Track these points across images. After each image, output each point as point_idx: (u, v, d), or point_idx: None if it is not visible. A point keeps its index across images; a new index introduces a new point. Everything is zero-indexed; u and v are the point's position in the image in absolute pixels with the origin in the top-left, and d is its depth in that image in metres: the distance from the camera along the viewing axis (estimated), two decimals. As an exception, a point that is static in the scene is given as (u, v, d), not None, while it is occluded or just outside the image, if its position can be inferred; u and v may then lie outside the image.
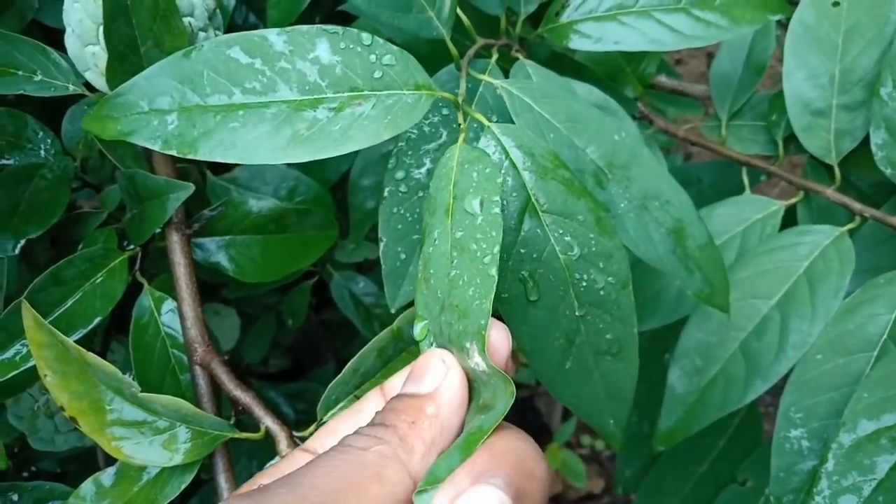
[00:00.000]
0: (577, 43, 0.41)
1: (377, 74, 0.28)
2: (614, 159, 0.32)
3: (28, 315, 0.32)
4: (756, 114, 0.50)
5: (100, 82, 0.38)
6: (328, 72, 0.27)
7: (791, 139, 0.46)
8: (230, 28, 0.58)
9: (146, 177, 0.39)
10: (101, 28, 0.35)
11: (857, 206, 0.43)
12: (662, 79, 0.53)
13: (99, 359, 0.32)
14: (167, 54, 0.36)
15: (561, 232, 0.29)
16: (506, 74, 0.39)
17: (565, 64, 0.49)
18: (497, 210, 0.25)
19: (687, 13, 0.41)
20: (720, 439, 0.60)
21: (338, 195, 0.58)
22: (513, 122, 0.32)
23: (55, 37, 0.43)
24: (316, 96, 0.27)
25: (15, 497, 0.39)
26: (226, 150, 0.25)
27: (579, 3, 0.42)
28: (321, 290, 0.80)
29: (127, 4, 0.34)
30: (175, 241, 0.40)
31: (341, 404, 0.36)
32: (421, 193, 0.35)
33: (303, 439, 0.36)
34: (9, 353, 0.36)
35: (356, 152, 0.59)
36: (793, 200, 0.46)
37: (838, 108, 0.44)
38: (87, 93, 0.41)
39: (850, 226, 0.42)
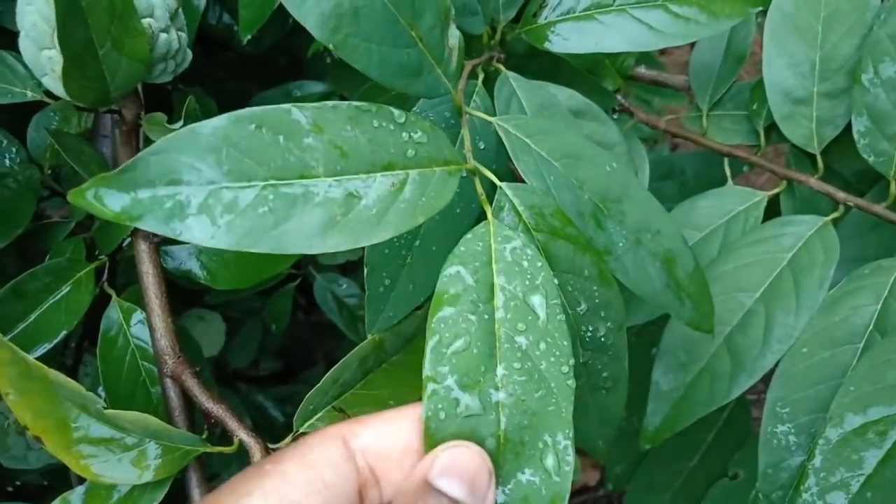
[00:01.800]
0: (556, 44, 0.40)
1: (410, 153, 0.26)
2: (608, 193, 0.32)
3: (-14, 332, 0.31)
4: (737, 103, 0.49)
5: (58, 88, 0.36)
6: (360, 151, 0.25)
7: (773, 128, 0.46)
8: (202, 28, 0.57)
9: (111, 184, 0.38)
10: (56, 31, 0.34)
11: (840, 194, 0.43)
12: (642, 70, 0.52)
13: (62, 375, 0.31)
14: (127, 57, 0.35)
15: (570, 289, 0.30)
16: (489, 86, 0.38)
17: (544, 59, 0.48)
18: (562, 316, 0.24)
19: (665, 9, 0.40)
20: (709, 433, 0.59)
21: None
22: (505, 154, 0.32)
23: (14, 40, 0.42)
24: (349, 177, 0.24)
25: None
26: (257, 240, 0.22)
27: (557, 3, 0.41)
28: (310, 292, 0.79)
29: (82, 6, 0.32)
30: (143, 250, 0.38)
31: (319, 414, 0.35)
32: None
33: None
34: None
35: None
36: (776, 190, 0.45)
37: (819, 95, 0.43)
38: (46, 99, 0.40)
39: (833, 215, 0.42)
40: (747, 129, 0.48)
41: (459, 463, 0.23)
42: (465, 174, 0.30)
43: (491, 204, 0.29)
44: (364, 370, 0.35)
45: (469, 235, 0.27)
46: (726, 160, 0.48)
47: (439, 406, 0.24)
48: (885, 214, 0.41)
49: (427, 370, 0.24)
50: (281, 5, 0.50)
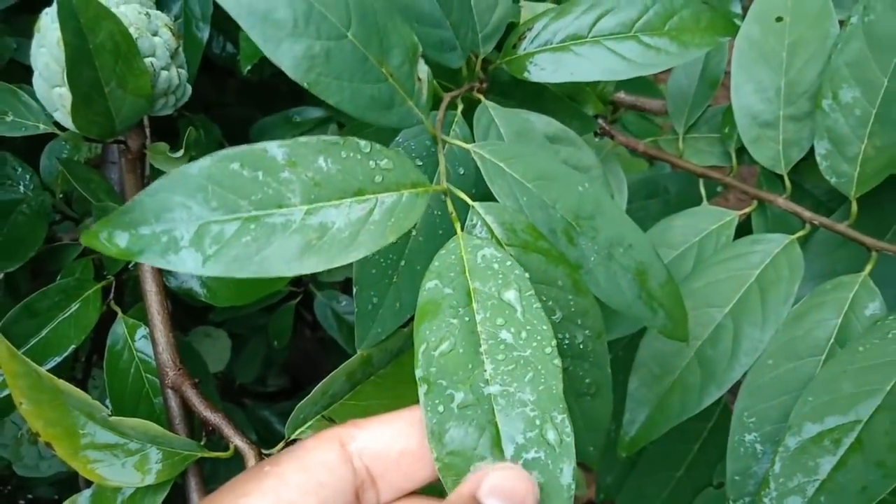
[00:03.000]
0: (534, 74, 0.43)
1: (377, 178, 0.28)
2: (580, 211, 0.34)
3: (2, 346, 0.34)
4: (711, 126, 0.51)
5: (67, 122, 0.39)
6: (332, 180, 0.27)
7: (744, 150, 0.48)
8: (206, 57, 0.60)
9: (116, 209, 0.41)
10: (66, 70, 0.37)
11: (806, 213, 0.45)
12: (622, 95, 0.54)
13: (70, 385, 0.34)
14: (131, 94, 0.38)
15: (544, 299, 0.31)
16: (468, 115, 0.40)
17: (527, 86, 0.50)
18: (538, 304, 0.26)
19: (637, 41, 0.42)
20: (695, 444, 0.61)
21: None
22: (483, 180, 0.34)
23: (31, 73, 0.45)
24: (322, 204, 0.26)
25: (-2, 522, 0.40)
26: (242, 266, 0.24)
27: (535, 35, 0.44)
28: (314, 308, 0.81)
29: (89, 48, 0.35)
30: (146, 270, 0.41)
31: (309, 423, 0.37)
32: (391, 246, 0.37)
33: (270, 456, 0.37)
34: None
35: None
36: (747, 210, 0.47)
37: (785, 119, 0.45)
38: (57, 131, 0.43)
39: (799, 233, 0.44)
40: (720, 150, 0.50)
41: (508, 485, 0.23)
42: (443, 197, 0.33)
43: (464, 223, 0.31)
44: (352, 383, 0.37)
45: (442, 251, 0.29)
46: (701, 181, 0.50)
47: (436, 401, 0.25)
48: (848, 233, 0.43)
49: (419, 373, 0.25)
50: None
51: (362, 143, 0.28)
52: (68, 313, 0.40)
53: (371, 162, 0.28)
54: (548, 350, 0.26)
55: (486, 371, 0.26)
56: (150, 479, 0.35)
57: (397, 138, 0.38)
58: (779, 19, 0.45)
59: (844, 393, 0.36)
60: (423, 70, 0.33)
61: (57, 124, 0.42)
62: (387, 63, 0.31)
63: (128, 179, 0.44)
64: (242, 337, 0.87)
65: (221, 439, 0.38)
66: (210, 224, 0.24)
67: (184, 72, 0.41)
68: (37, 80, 0.39)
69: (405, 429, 0.26)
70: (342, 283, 0.82)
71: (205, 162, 0.25)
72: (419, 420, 0.25)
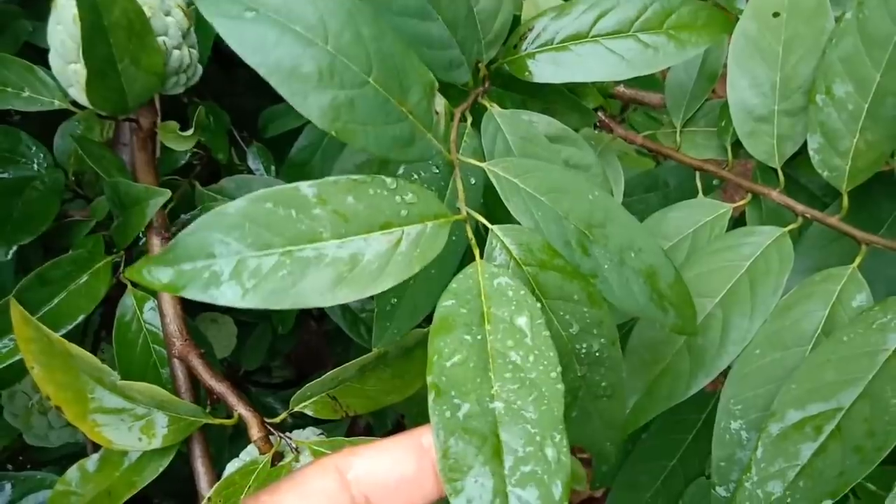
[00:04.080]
0: (535, 74, 0.44)
1: (403, 213, 0.29)
2: (592, 220, 0.35)
3: (16, 311, 0.35)
4: (709, 120, 0.52)
5: (82, 98, 0.41)
6: (360, 215, 0.28)
7: (739, 144, 0.49)
8: (217, 46, 0.62)
9: (128, 185, 0.42)
10: (78, 50, 0.38)
11: (799, 207, 0.46)
12: (621, 88, 0.55)
13: (81, 350, 0.36)
14: (144, 71, 0.40)
15: (562, 313, 0.33)
16: (476, 124, 0.41)
17: (528, 82, 0.51)
18: (547, 332, 0.28)
19: (636, 39, 0.44)
20: (688, 434, 0.62)
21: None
22: (494, 191, 0.35)
23: (45, 55, 0.46)
24: (352, 238, 0.28)
25: (8, 486, 0.42)
26: (279, 298, 0.26)
27: (536, 35, 0.45)
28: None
29: (104, 25, 0.37)
30: (156, 245, 0.43)
31: (314, 399, 0.39)
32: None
33: (273, 426, 0.39)
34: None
35: (334, 160, 0.62)
36: (741, 203, 0.48)
37: (780, 113, 0.46)
38: (72, 108, 0.44)
39: (791, 226, 0.45)
40: (717, 144, 0.51)
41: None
42: (460, 219, 0.34)
43: (484, 244, 0.33)
44: (362, 372, 0.39)
45: (460, 275, 0.30)
46: (697, 174, 0.51)
47: (444, 407, 0.26)
48: (839, 226, 0.44)
49: (430, 378, 0.26)
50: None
51: (388, 180, 0.29)
52: (79, 283, 0.41)
53: (397, 197, 0.29)
54: (552, 375, 0.27)
55: (493, 387, 0.27)
56: (156, 444, 0.36)
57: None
58: (775, 15, 0.46)
59: (827, 381, 0.37)
60: (439, 103, 0.34)
61: (72, 102, 0.43)
62: (407, 102, 0.32)
63: (139, 157, 0.45)
64: (248, 324, 0.88)
65: (225, 409, 0.39)
66: (248, 259, 0.26)
67: (195, 52, 0.42)
68: (53, 57, 0.40)
69: (402, 456, 0.26)
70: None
71: (240, 202, 0.26)
72: (417, 446, 0.26)
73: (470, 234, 0.33)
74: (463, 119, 0.41)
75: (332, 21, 0.30)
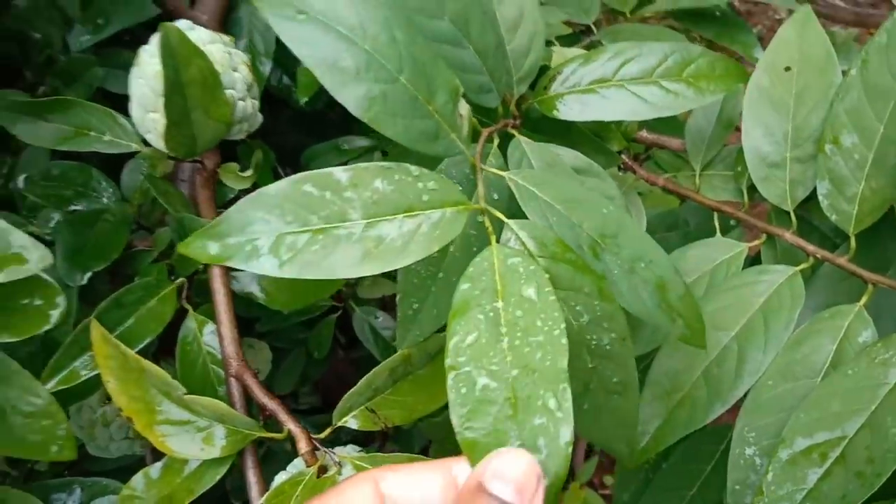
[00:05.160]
0: (563, 113, 0.47)
1: (425, 198, 0.33)
2: (605, 230, 0.38)
3: (97, 330, 0.40)
4: (726, 164, 0.55)
5: (158, 143, 0.46)
6: (387, 199, 0.32)
7: (754, 188, 0.52)
8: (266, 89, 0.67)
9: (192, 220, 0.47)
10: (160, 99, 0.43)
11: (810, 248, 0.49)
12: (644, 133, 0.59)
13: (154, 366, 0.40)
14: (213, 120, 0.45)
15: (572, 304, 0.35)
16: (502, 147, 0.45)
17: (556, 122, 0.55)
18: (553, 297, 0.30)
19: (658, 86, 0.47)
20: (707, 464, 0.64)
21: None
22: (516, 203, 0.38)
23: (118, 101, 0.52)
24: (379, 219, 0.31)
25: (78, 490, 0.46)
26: (311, 269, 0.29)
27: (564, 78, 0.49)
28: (349, 329, 0.86)
29: (182, 81, 0.42)
30: (216, 274, 0.47)
31: (354, 412, 0.43)
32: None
33: (321, 441, 0.42)
34: (77, 363, 0.43)
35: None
36: (756, 242, 0.52)
37: (792, 160, 0.49)
38: (145, 150, 0.49)
39: (803, 265, 0.48)
40: (734, 187, 0.54)
41: (509, 467, 0.25)
42: (479, 217, 0.38)
43: (499, 238, 0.35)
44: (394, 378, 0.43)
45: (477, 259, 0.33)
46: (715, 214, 0.54)
47: (461, 384, 0.29)
48: (847, 266, 0.47)
49: (448, 361, 0.29)
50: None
51: (413, 168, 0.33)
52: (148, 307, 0.46)
53: (420, 184, 0.33)
54: (556, 332, 0.29)
55: (506, 356, 0.30)
56: (215, 453, 0.40)
57: (440, 166, 0.44)
58: (787, 69, 0.50)
59: (833, 411, 0.40)
60: (463, 107, 0.38)
61: (146, 144, 0.48)
62: (433, 102, 0.36)
63: (202, 194, 0.50)
64: (282, 350, 0.92)
65: (276, 424, 0.43)
66: (286, 235, 0.30)
67: (256, 102, 0.47)
68: (133, 106, 0.46)
69: (430, 479, 0.28)
70: (379, 300, 0.87)
71: (281, 185, 0.30)
72: (447, 474, 0.28)
73: (487, 223, 0.35)
74: (490, 140, 0.44)
75: (370, 24, 0.34)
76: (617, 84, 0.48)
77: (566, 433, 0.28)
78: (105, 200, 0.57)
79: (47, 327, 0.37)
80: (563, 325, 0.30)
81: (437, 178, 0.34)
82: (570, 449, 0.27)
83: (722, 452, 0.64)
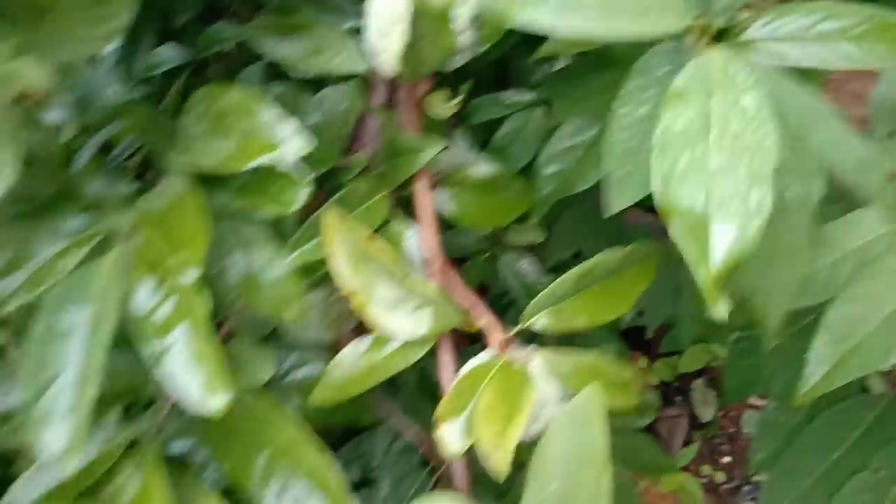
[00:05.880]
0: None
1: None
2: None
3: (333, 214, 0.46)
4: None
5: (387, 65, 0.52)
6: None
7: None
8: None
9: (406, 136, 0.53)
10: (396, 25, 0.49)
11: None
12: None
13: (383, 243, 0.46)
14: (438, 49, 0.50)
15: None
16: None
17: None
18: (768, 112, 0.32)
19: (854, 43, 0.48)
20: (856, 430, 0.64)
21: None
22: None
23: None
24: None
25: (295, 355, 0.53)
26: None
27: (761, 26, 0.50)
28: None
29: (422, 12, 0.47)
30: (421, 188, 0.53)
31: (541, 312, 0.47)
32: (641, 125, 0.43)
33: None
34: (309, 245, 0.50)
35: (543, 145, 0.70)
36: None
37: None
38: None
39: None
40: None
41: None
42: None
43: None
44: (577, 288, 0.47)
45: (694, 60, 0.36)
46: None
47: (663, 161, 0.32)
48: None
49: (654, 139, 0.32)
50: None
51: None
52: (365, 208, 0.52)
53: None
54: (767, 143, 0.32)
55: (710, 148, 0.32)
56: (420, 332, 0.46)
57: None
58: None
59: None
60: None
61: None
62: None
63: (407, 119, 0.56)
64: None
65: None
66: None
67: (476, 34, 0.52)
68: (369, 31, 0.52)
69: None
70: (525, 247, 0.92)
71: None
72: None
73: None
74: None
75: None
76: (812, 38, 0.49)
77: (754, 226, 0.30)
78: (313, 122, 0.64)
79: (296, 206, 0.45)
80: (774, 137, 0.31)
81: None
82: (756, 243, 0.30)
83: (875, 419, 0.64)
